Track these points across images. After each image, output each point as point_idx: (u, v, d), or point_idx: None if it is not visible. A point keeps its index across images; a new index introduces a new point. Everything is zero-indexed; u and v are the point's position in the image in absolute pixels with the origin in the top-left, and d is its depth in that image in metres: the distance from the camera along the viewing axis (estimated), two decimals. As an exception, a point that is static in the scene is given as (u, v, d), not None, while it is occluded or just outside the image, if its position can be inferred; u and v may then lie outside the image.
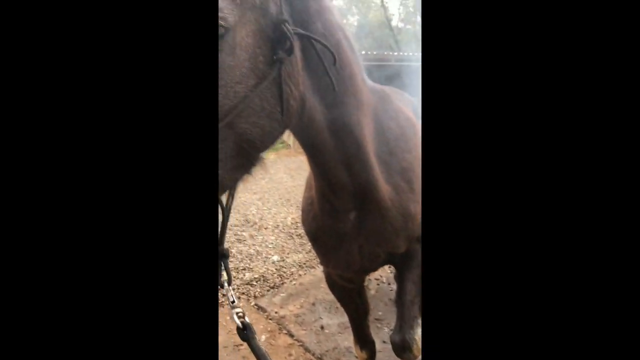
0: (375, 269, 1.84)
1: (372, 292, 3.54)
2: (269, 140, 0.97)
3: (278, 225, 5.14)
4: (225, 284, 1.01)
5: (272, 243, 4.61)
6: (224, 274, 1.00)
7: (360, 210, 1.39)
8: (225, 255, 1.01)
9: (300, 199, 1.70)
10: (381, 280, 3.76)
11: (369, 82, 1.39)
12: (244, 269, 3.99)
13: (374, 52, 11.57)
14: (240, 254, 4.33)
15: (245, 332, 0.92)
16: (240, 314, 0.95)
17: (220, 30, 0.80)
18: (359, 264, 1.60)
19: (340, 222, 1.42)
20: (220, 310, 3.31)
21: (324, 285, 3.70)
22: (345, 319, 3.04)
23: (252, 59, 0.88)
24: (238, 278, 3.76)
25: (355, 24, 23.48)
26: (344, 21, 1.27)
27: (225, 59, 0.83)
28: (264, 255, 4.31)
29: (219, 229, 1.00)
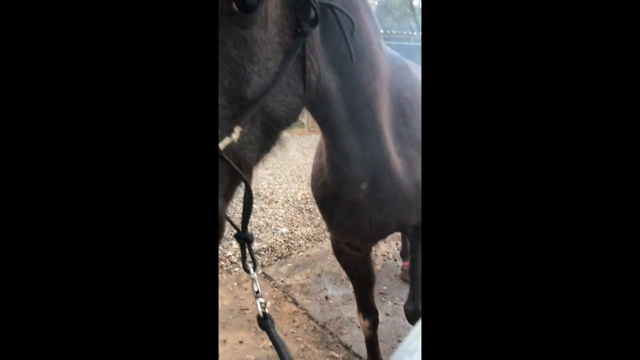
0: (384, 237, 1.87)
1: (378, 267, 3.59)
2: (292, 117, 0.93)
3: (288, 200, 5.20)
4: (251, 270, 0.97)
5: (281, 216, 4.68)
6: (249, 257, 0.96)
7: (372, 181, 1.38)
8: (249, 240, 0.97)
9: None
10: (387, 257, 3.81)
11: (387, 49, 1.34)
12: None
13: (394, 32, 11.33)
14: (250, 225, 4.41)
15: (265, 321, 0.95)
16: (263, 305, 0.96)
17: (254, 1, 0.72)
18: (368, 234, 1.61)
19: (351, 192, 1.41)
20: (228, 276, 3.40)
21: (330, 257, 3.77)
22: (349, 291, 3.11)
23: (280, 32, 0.83)
24: (247, 247, 3.86)
25: (376, 3, 22.86)
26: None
27: (258, 33, 0.77)
28: (273, 227, 4.39)
29: (243, 213, 0.98)
